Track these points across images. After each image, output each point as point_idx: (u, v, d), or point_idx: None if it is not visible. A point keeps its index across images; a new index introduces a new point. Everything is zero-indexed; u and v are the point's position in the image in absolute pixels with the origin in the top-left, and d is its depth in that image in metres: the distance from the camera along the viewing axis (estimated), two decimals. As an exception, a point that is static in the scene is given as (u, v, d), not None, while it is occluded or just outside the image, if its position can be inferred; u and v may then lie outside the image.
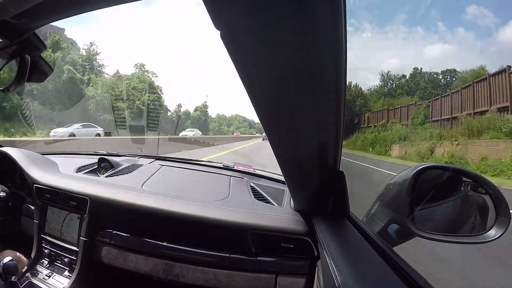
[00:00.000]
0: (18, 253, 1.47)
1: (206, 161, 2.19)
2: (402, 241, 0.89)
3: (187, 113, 36.95)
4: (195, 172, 1.79)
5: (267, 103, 0.57)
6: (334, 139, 0.72)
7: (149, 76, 31.83)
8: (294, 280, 1.17)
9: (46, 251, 1.51)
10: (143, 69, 32.34)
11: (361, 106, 24.57)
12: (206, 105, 41.57)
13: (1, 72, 1.00)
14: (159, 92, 31.50)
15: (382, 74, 24.77)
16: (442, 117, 17.29)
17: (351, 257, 0.77)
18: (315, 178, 0.91)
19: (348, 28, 0.46)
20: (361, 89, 25.20)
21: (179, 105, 36.95)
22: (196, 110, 40.58)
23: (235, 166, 1.83)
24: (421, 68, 22.71)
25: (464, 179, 0.94)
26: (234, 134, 43.97)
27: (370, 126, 23.00)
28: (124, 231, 1.35)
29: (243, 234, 1.18)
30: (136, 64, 32.46)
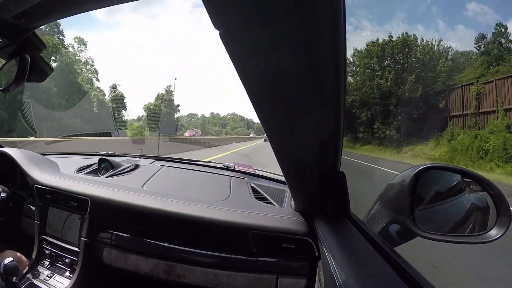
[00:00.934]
0: (18, 254, 1.47)
1: (207, 162, 2.19)
2: (403, 241, 0.88)
3: (118, 97, 23.75)
4: (195, 172, 1.79)
5: (266, 103, 0.57)
6: (334, 139, 0.72)
7: (61, 39, 20.56)
8: (295, 280, 1.17)
9: (47, 251, 1.51)
10: (55, 29, 20.05)
11: (448, 74, 14.52)
12: (171, 91, 29.55)
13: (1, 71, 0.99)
14: (76, 65, 21.13)
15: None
16: None
17: (352, 257, 0.77)
18: (315, 178, 0.91)
19: (347, 27, 0.46)
20: (441, 46, 15.44)
21: (113, 87, 24.03)
22: (157, 99, 28.89)
23: (235, 167, 1.83)
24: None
25: (465, 179, 0.93)
26: (186, 134, 31.08)
27: (492, 112, 11.70)
28: (125, 231, 1.35)
29: (244, 234, 1.18)
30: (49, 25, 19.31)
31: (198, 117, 47.38)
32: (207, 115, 49.62)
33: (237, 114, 51.54)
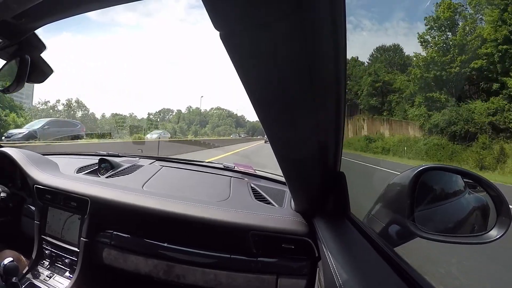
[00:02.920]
0: (18, 254, 1.47)
1: (207, 162, 2.18)
2: (403, 242, 0.88)
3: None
4: (195, 173, 1.79)
5: (267, 103, 0.57)
6: (334, 139, 0.72)
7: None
8: (295, 280, 1.17)
9: (46, 252, 1.51)
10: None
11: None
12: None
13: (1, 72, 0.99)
14: None
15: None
16: None
17: (352, 257, 0.77)
18: (315, 178, 0.91)
19: (347, 26, 0.46)
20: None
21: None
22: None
23: (235, 167, 1.83)
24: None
25: (465, 179, 0.93)
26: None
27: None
28: (124, 232, 1.35)
29: (244, 235, 1.18)
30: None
31: (174, 113, 38.52)
32: (183, 109, 39.60)
33: (223, 109, 40.34)
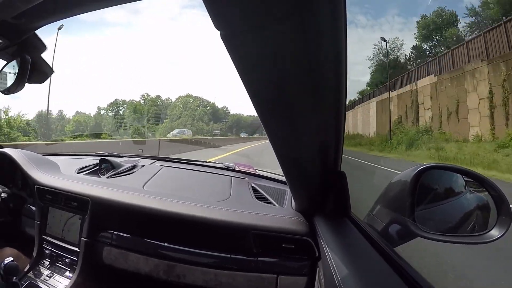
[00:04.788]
0: (18, 252, 1.47)
1: (207, 162, 2.18)
2: (403, 241, 0.88)
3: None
4: (196, 172, 1.79)
5: (267, 102, 0.57)
6: (334, 139, 0.72)
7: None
8: (295, 280, 1.17)
9: (47, 251, 1.51)
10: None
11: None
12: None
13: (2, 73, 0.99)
14: None
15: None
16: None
17: (352, 257, 0.77)
18: (316, 178, 0.91)
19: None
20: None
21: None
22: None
23: (236, 167, 1.83)
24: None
25: (466, 179, 0.93)
26: None
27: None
28: (125, 231, 1.35)
29: (244, 234, 1.18)
30: None
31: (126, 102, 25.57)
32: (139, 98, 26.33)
33: (195, 97, 27.49)
